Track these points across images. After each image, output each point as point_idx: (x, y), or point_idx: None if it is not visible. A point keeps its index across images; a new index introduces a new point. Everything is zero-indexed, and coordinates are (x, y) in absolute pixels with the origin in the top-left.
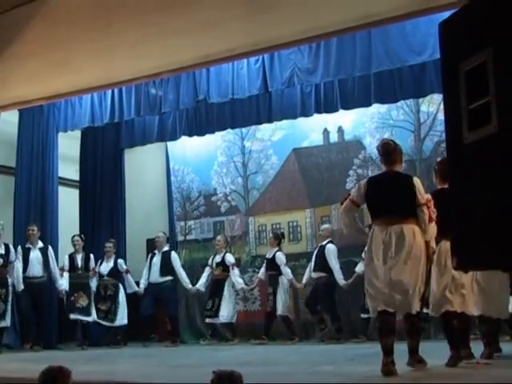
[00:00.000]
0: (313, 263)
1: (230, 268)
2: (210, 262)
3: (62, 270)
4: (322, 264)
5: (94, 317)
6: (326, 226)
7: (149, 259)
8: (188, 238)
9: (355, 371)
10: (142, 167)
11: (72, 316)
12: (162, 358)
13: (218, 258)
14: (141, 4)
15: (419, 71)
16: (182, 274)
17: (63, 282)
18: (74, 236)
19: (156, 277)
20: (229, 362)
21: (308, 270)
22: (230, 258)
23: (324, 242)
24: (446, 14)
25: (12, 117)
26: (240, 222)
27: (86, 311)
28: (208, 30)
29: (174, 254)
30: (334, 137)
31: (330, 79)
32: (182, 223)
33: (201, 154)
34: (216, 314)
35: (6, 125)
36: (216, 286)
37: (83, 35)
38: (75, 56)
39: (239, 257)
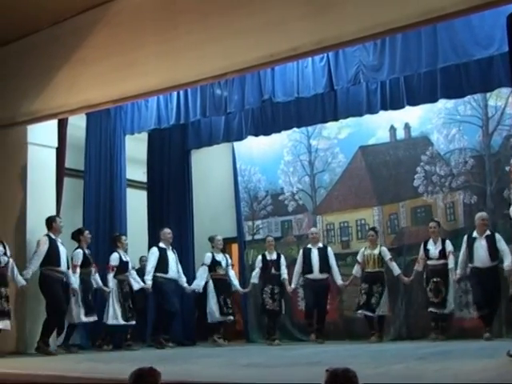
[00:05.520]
0: (317, 265)
1: (230, 268)
2: (208, 261)
3: (74, 266)
4: (325, 265)
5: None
6: (315, 229)
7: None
8: (256, 237)
9: (426, 370)
10: (209, 168)
11: (89, 318)
12: (232, 357)
13: (221, 258)
14: (204, 6)
15: (486, 65)
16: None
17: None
18: (84, 229)
19: None
20: (298, 361)
21: (297, 272)
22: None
23: (321, 245)
24: None
25: (80, 121)
26: (308, 221)
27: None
28: (272, 30)
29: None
30: (400, 133)
31: (396, 76)
32: (250, 223)
33: (267, 154)
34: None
35: (75, 129)
36: (222, 286)
37: (148, 38)
38: (141, 59)
39: None
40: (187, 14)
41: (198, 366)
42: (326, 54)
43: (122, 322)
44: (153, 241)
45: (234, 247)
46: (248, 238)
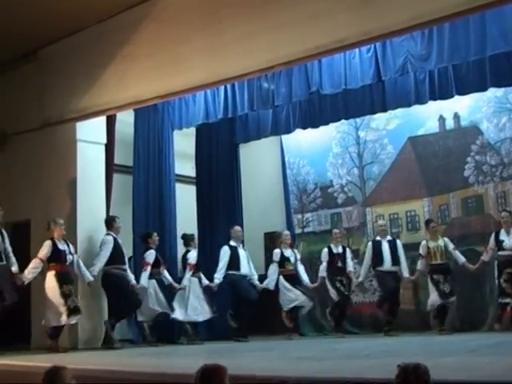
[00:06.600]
0: (389, 258)
1: (299, 263)
2: (278, 258)
3: (147, 264)
4: (395, 258)
5: None
6: (383, 221)
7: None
8: (305, 230)
9: (477, 363)
10: (257, 161)
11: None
12: (283, 350)
13: (290, 253)
14: None
15: None
16: None
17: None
18: (152, 232)
19: None
20: (348, 354)
21: (366, 264)
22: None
23: (390, 238)
24: None
25: (128, 117)
26: (357, 213)
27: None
28: (318, 21)
29: None
30: (450, 123)
31: (444, 65)
32: (299, 216)
33: (315, 146)
34: None
35: (123, 125)
36: (294, 280)
37: (194, 33)
38: (187, 54)
39: (358, 248)
40: (232, 8)
41: (249, 360)
42: (373, 45)
43: (200, 319)
44: (202, 235)
45: None
46: (298, 231)
